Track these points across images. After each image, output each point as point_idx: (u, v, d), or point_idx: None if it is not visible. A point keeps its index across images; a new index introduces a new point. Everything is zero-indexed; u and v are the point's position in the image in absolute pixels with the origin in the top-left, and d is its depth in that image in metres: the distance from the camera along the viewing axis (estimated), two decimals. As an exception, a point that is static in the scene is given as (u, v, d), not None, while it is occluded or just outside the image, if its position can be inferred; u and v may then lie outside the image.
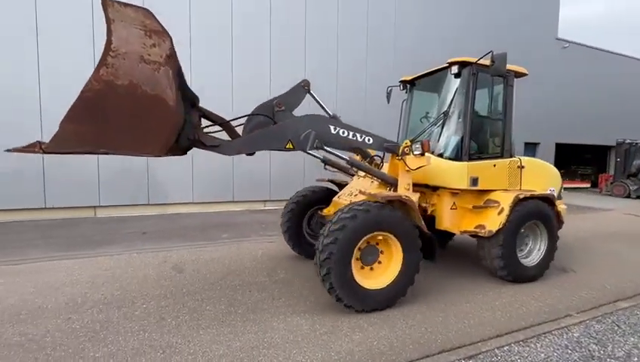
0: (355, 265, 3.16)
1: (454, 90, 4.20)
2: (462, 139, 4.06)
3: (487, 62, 3.75)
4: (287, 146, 3.34)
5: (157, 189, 8.71)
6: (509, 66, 4.10)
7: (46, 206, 7.77)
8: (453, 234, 4.58)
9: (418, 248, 3.36)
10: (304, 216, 4.77)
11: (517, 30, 13.87)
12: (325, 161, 3.91)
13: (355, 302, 3.17)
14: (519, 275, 3.99)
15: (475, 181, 4.04)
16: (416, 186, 4.30)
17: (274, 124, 3.51)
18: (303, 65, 9.92)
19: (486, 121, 4.38)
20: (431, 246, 3.49)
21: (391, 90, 5.24)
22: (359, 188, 4.07)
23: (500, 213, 3.83)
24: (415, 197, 3.71)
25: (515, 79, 4.43)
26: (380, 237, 3.29)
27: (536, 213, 4.04)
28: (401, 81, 5.17)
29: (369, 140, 3.75)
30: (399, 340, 2.80)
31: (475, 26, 12.68)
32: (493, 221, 3.85)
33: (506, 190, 4.18)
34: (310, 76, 4.41)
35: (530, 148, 15.08)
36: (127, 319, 3.05)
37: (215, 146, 3.11)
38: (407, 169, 3.61)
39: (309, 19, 10.06)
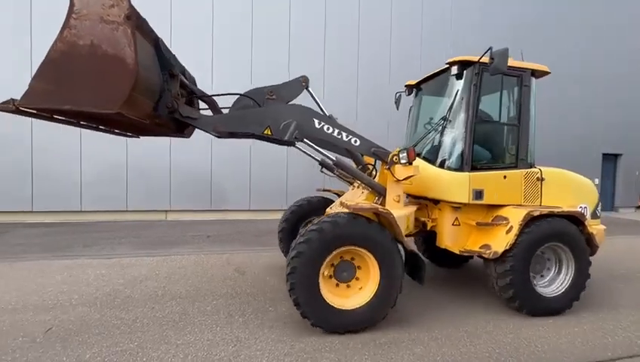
0: (324, 282, 2.94)
1: (455, 92, 3.77)
2: (463, 146, 3.60)
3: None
4: (265, 132, 3.23)
5: (219, 196, 9.42)
6: (524, 64, 3.73)
7: (127, 208, 8.85)
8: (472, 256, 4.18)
9: (398, 266, 3.03)
10: (299, 225, 4.72)
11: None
12: (322, 164, 3.70)
13: (322, 322, 2.90)
14: (536, 307, 3.39)
15: (479, 194, 3.57)
16: (418, 199, 4.11)
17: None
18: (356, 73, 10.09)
19: (496, 127, 3.93)
20: (417, 266, 3.20)
21: (400, 96, 4.87)
22: (348, 199, 3.82)
23: (508, 232, 3.32)
24: (406, 210, 3.49)
25: (535, 79, 3.86)
26: (356, 253, 3.03)
27: (556, 234, 3.40)
28: (406, 86, 4.78)
29: (356, 142, 3.46)
30: (464, 358, 2.70)
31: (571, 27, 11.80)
32: (499, 241, 3.34)
33: (520, 205, 3.63)
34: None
35: (609, 161, 13.38)
36: (201, 313, 3.35)
37: (193, 118, 3.11)
38: (395, 179, 3.35)
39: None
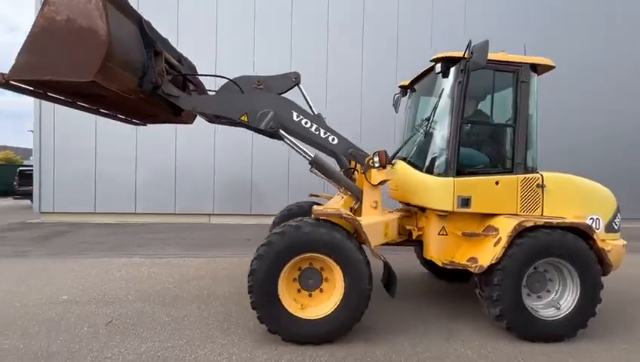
0: (286, 287, 2.85)
1: (441, 91, 3.48)
2: (448, 149, 3.31)
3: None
4: (241, 118, 3.27)
5: (258, 201, 9.71)
6: (522, 58, 3.38)
7: (175, 212, 9.44)
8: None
9: (364, 277, 2.82)
10: None
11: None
12: (313, 162, 3.51)
13: (279, 329, 2.80)
14: (528, 330, 3.00)
15: (465, 202, 3.25)
16: (408, 205, 3.85)
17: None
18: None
19: (488, 128, 3.62)
20: (390, 277, 2.98)
21: (398, 98, 4.57)
22: (330, 204, 3.63)
23: (496, 245, 2.99)
24: (385, 217, 3.34)
25: (535, 74, 3.46)
26: (324, 261, 2.86)
27: (555, 249, 2.98)
28: (400, 87, 4.51)
29: (334, 140, 3.38)
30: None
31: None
32: (487, 254, 3.02)
33: (516, 215, 3.27)
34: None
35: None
36: (243, 314, 3.45)
37: (174, 96, 3.21)
38: (370, 184, 3.21)
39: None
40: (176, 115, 3.66)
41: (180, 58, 3.63)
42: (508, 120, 3.46)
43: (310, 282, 2.94)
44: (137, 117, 3.83)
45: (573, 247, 2.99)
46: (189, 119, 4.01)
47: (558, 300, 3.13)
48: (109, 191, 9.34)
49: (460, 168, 3.31)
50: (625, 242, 3.47)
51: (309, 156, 3.39)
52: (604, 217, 3.41)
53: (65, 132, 9.24)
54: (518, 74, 3.39)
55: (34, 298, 3.79)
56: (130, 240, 7.04)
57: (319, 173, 3.54)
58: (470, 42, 3.11)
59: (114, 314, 3.40)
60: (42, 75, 2.55)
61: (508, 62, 3.36)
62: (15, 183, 12.74)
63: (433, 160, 3.45)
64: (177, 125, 9.10)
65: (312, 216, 2.88)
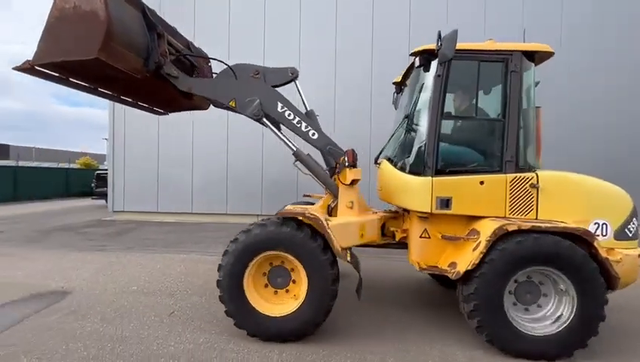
0: (253, 284, 2.93)
1: (421, 86, 3.28)
2: (426, 147, 3.09)
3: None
4: (230, 103, 3.49)
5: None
6: (513, 45, 3.07)
7: (227, 212, 10.02)
8: None
9: (327, 277, 2.81)
10: None
11: None
12: (297, 155, 3.55)
13: (245, 324, 2.90)
14: (512, 345, 2.72)
15: (445, 203, 3.04)
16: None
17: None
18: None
19: (473, 124, 3.34)
20: (359, 280, 3.03)
21: (396, 95, 4.41)
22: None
23: (474, 249, 2.76)
24: (361, 217, 3.32)
25: (533, 64, 3.16)
26: (292, 261, 2.89)
27: (545, 257, 2.66)
28: (393, 83, 4.36)
29: (314, 135, 3.43)
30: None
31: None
32: (465, 259, 2.80)
33: (504, 218, 2.96)
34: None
35: None
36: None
37: (173, 77, 3.46)
38: (342, 183, 3.26)
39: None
40: (189, 99, 3.92)
41: (189, 45, 4.00)
42: (498, 114, 3.18)
43: (279, 280, 3.02)
44: (155, 104, 4.26)
45: (567, 256, 2.64)
46: (202, 105, 4.30)
47: (552, 315, 2.81)
48: (168, 193, 10.23)
49: (441, 167, 3.11)
50: (635, 253, 2.91)
51: (293, 148, 3.52)
52: (614, 222, 2.94)
53: (133, 140, 10.33)
54: (508, 63, 3.07)
55: (110, 287, 4.29)
56: (188, 238, 7.62)
57: (302, 168, 3.64)
58: (439, 33, 2.96)
59: (175, 306, 3.71)
60: (56, 58, 2.98)
61: (494, 51, 3.09)
62: (93, 185, 14.47)
63: (412, 158, 3.28)
64: (229, 133, 9.77)
65: (277, 214, 2.96)
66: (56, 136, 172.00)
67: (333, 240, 2.86)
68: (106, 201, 11.57)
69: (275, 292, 3.04)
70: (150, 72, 3.36)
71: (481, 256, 2.70)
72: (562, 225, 2.79)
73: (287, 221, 2.90)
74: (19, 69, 3.09)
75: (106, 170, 11.90)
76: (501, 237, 2.72)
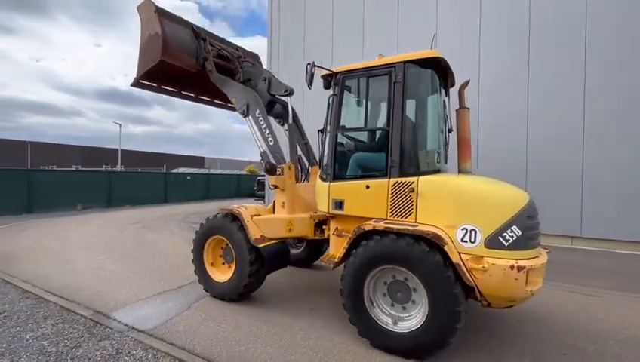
0: (210, 257, 4.35)
1: (327, 103, 3.80)
2: (325, 156, 3.70)
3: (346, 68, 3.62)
4: (232, 100, 4.61)
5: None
6: (397, 58, 3.28)
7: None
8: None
9: (245, 255, 3.89)
10: None
11: None
12: (263, 156, 4.36)
13: (205, 286, 4.32)
14: (376, 340, 3.03)
15: (339, 204, 3.50)
16: None
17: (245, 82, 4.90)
18: None
19: (364, 134, 3.78)
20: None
21: None
22: None
23: (344, 244, 3.31)
24: (290, 216, 4.06)
25: (430, 70, 3.34)
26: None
27: (400, 258, 2.84)
28: None
29: (270, 141, 4.25)
30: None
31: None
32: (338, 252, 3.43)
33: (385, 219, 3.17)
34: None
35: None
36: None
37: (209, 71, 4.73)
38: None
39: None
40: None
41: (238, 48, 5.40)
42: (383, 124, 3.46)
43: (228, 258, 4.24)
44: (208, 94, 5.54)
45: (414, 255, 2.81)
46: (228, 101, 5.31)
47: (416, 313, 2.93)
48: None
49: (337, 173, 3.57)
50: (511, 263, 2.59)
51: (260, 148, 4.34)
52: (486, 228, 2.74)
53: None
54: (391, 75, 3.30)
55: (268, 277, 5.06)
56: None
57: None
58: (310, 63, 3.47)
59: (317, 303, 4.21)
60: (145, 68, 4.56)
61: (378, 66, 3.38)
62: (254, 188, 17.76)
63: (322, 167, 3.83)
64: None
65: (219, 210, 4.23)
66: (231, 148, 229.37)
67: (249, 230, 3.93)
68: (264, 201, 14.21)
69: (223, 264, 4.34)
70: (200, 66, 4.75)
71: (344, 250, 3.24)
72: (413, 227, 2.87)
73: (227, 214, 4.20)
74: (133, 85, 4.85)
75: (264, 175, 14.43)
76: (365, 235, 3.08)
